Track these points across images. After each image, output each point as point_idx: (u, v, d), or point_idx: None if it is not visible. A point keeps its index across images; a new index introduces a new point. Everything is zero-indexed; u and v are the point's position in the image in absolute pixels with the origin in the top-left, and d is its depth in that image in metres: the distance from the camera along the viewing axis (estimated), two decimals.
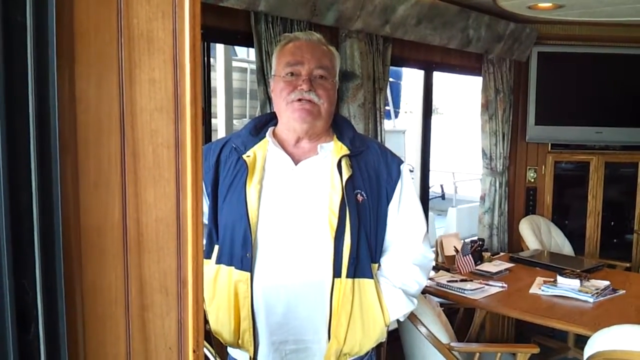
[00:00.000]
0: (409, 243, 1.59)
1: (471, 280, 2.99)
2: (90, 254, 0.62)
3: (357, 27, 2.77)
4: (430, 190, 4.28)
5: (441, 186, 9.84)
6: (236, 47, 4.68)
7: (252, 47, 2.46)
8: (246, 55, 6.38)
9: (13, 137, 0.52)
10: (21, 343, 0.55)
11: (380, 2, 2.78)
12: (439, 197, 9.62)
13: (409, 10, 2.97)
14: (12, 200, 0.53)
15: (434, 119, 3.94)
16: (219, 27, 2.40)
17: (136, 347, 0.66)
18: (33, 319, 0.55)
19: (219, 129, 3.57)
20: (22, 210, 0.54)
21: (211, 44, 2.65)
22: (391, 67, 3.15)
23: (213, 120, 3.93)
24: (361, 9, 2.71)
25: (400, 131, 9.73)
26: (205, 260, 1.49)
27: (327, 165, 1.52)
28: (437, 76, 3.80)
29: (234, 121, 4.08)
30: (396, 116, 10.16)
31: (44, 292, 0.56)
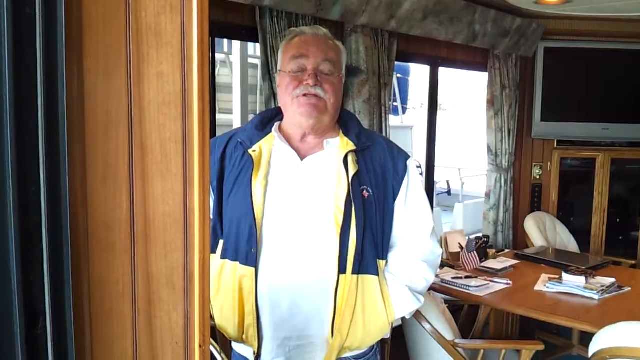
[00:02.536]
0: (417, 239, 1.58)
1: (476, 277, 2.98)
2: (97, 248, 0.62)
3: (363, 22, 2.76)
4: (436, 186, 4.27)
5: (447, 182, 9.85)
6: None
7: (257, 42, 2.46)
8: (252, 51, 6.39)
9: (22, 131, 0.52)
10: (29, 337, 0.55)
11: None
12: (445, 192, 9.62)
13: (415, 5, 2.96)
14: (20, 194, 0.52)
15: (439, 115, 3.92)
16: (224, 22, 2.40)
17: (143, 341, 0.65)
18: (41, 314, 0.55)
19: (234, 124, 3.58)
20: (30, 204, 0.54)
21: (228, 42, 2.65)
22: (399, 63, 3.13)
23: (228, 117, 3.94)
24: (367, 3, 2.69)
25: (408, 127, 9.72)
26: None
27: (333, 160, 1.52)
28: (441, 72, 3.79)
29: (248, 117, 4.10)
30: (404, 112, 10.15)
31: (51, 287, 0.56)
